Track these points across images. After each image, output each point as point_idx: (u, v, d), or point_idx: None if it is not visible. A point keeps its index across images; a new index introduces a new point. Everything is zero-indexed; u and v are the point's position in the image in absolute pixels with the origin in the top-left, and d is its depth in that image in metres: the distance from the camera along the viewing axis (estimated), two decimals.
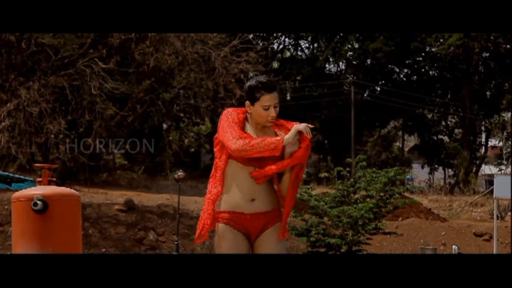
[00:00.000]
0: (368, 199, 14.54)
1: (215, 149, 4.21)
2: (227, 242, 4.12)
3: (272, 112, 4.11)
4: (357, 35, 37.17)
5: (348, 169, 15.47)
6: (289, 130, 4.13)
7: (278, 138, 4.03)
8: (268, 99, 4.12)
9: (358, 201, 14.62)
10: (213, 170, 4.20)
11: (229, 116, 4.15)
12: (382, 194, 14.63)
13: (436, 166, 40.53)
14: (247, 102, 4.20)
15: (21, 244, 6.41)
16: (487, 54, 37.62)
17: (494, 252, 14.50)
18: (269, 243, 4.18)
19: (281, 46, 42.19)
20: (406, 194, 21.31)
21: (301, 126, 4.04)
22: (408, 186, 18.29)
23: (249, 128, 4.19)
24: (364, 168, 15.05)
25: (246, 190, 4.13)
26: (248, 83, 4.22)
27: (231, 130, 4.08)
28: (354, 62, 39.80)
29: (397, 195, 14.78)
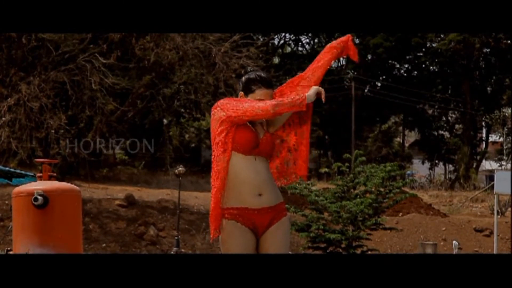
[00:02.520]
0: (367, 194, 14.53)
1: (219, 138, 4.03)
2: (235, 239, 4.06)
3: None
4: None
5: (347, 164, 15.44)
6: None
7: (301, 95, 4.14)
8: (263, 94, 4.13)
9: (358, 196, 14.60)
10: (214, 161, 4.09)
11: (231, 98, 4.18)
12: (381, 189, 14.62)
13: (436, 161, 40.52)
14: (241, 93, 4.20)
15: (21, 239, 6.42)
16: (488, 50, 37.58)
17: (495, 247, 14.49)
18: (275, 239, 4.14)
19: (281, 42, 42.17)
20: (407, 189, 21.31)
21: (320, 88, 4.24)
22: (407, 180, 18.29)
23: None
24: (364, 163, 15.04)
25: (253, 185, 4.07)
26: (247, 75, 4.22)
27: (249, 101, 4.08)
28: None
29: (396, 189, 14.77)
